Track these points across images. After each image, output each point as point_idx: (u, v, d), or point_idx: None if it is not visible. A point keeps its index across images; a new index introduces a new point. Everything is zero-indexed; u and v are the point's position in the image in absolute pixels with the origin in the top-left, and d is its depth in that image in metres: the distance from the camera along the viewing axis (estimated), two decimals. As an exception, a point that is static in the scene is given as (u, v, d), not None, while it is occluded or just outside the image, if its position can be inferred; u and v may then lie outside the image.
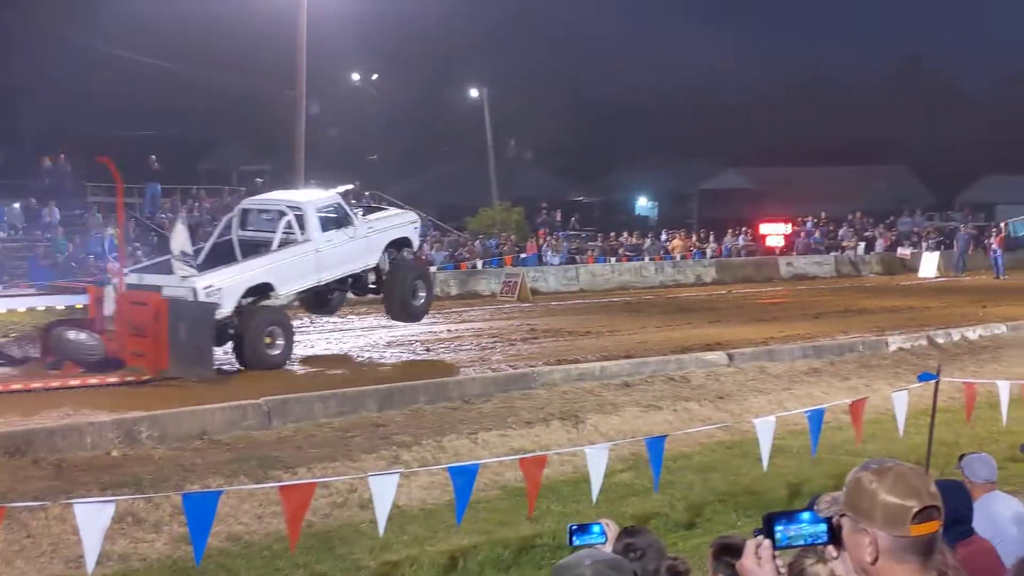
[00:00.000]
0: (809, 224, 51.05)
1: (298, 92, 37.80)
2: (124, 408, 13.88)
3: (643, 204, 72.61)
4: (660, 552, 5.29)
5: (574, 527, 5.42)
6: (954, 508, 5.55)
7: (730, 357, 18.71)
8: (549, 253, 40.55)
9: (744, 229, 48.15)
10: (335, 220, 20.03)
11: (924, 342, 21.54)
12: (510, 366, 18.09)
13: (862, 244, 48.80)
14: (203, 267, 18.21)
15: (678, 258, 42.02)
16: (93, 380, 15.91)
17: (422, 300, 21.40)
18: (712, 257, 43.52)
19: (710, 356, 18.74)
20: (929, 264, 44.30)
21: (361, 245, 20.39)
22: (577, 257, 41.17)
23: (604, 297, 32.53)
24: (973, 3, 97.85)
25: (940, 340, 21.81)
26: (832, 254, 46.34)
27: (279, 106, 42.30)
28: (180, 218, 19.20)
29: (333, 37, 43.10)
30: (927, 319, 26.19)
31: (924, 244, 48.96)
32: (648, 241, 45.53)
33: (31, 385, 15.53)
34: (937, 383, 11.44)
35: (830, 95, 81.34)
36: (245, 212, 20.40)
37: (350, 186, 23.19)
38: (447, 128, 65.61)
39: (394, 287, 20.94)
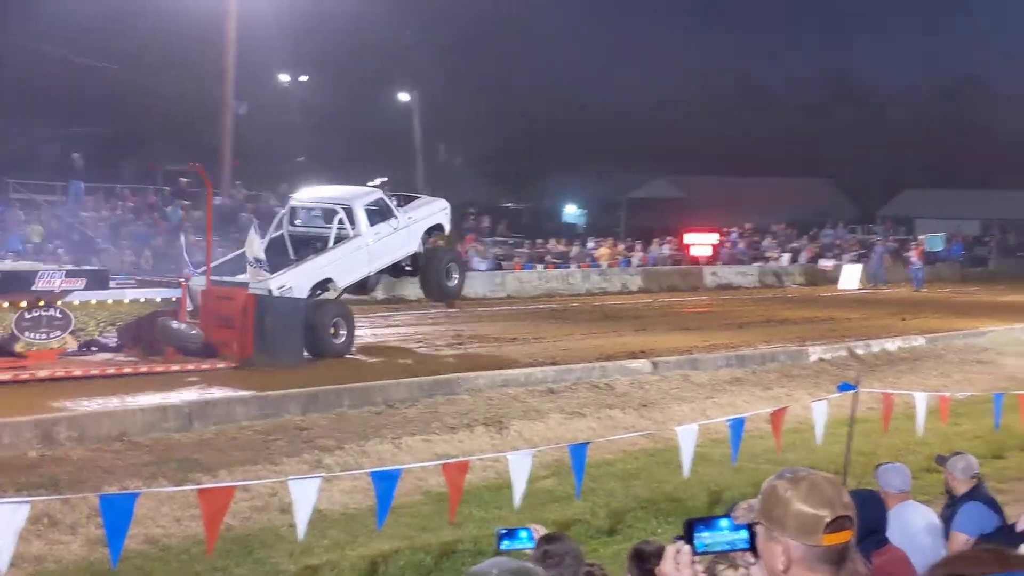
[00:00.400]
0: (734, 234, 51.53)
1: (225, 92, 37.50)
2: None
3: (571, 211, 72.88)
4: (578, 559, 5.31)
5: (502, 532, 5.44)
6: (869, 517, 5.63)
7: (654, 365, 18.83)
8: (476, 259, 40.54)
9: (670, 238, 48.51)
10: (380, 213, 21.81)
11: (844, 353, 21.82)
12: (435, 371, 18.05)
13: (786, 255, 49.34)
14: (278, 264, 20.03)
15: (605, 266, 42.18)
16: (190, 366, 17.59)
17: (455, 281, 23.34)
18: (638, 266, 43.74)
19: (634, 364, 18.83)
20: (850, 276, 44.92)
21: (403, 235, 22.23)
22: (504, 263, 41.19)
23: (531, 304, 32.59)
24: (896, 21, 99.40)
25: (860, 351, 22.10)
26: (756, 264, 46.80)
27: (207, 106, 41.92)
28: (254, 227, 21.03)
29: (262, 38, 42.77)
30: (848, 330, 26.55)
31: (846, 256, 49.62)
32: (575, 249, 45.66)
33: (139, 369, 17.20)
34: (856, 394, 11.60)
35: (759, 106, 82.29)
36: (294, 209, 22.10)
37: (384, 179, 24.66)
38: (376, 132, 65.41)
39: (430, 270, 22.82)
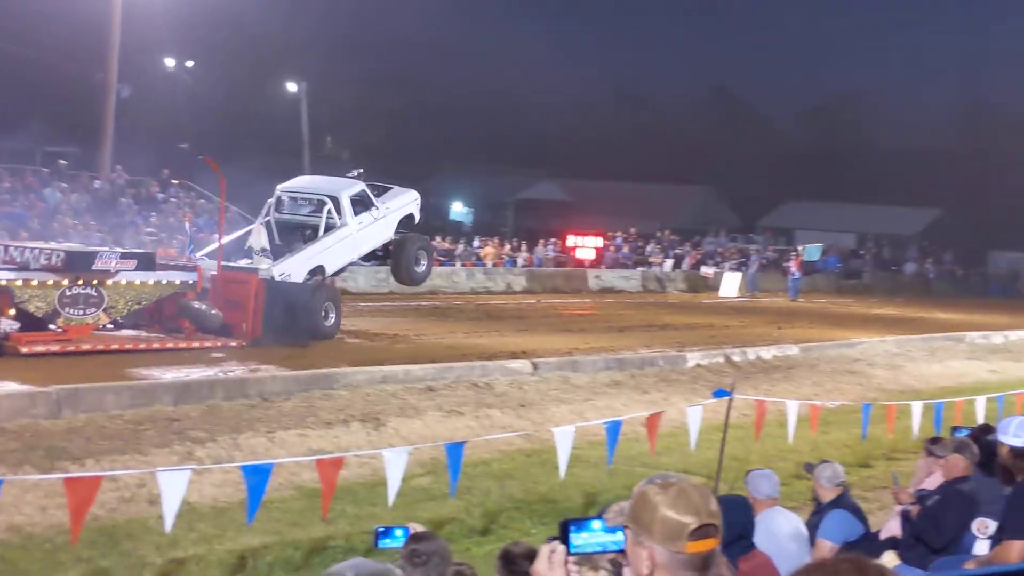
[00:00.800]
0: (618, 239, 51.98)
1: (109, 74, 36.70)
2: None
3: (458, 210, 72.85)
4: (445, 559, 5.29)
5: (380, 529, 5.39)
6: (736, 523, 5.70)
7: (534, 366, 18.88)
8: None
9: (555, 240, 48.75)
10: (362, 203, 23.61)
11: (721, 359, 22.15)
12: (313, 365, 17.86)
13: (669, 261, 49.92)
14: (250, 251, 21.61)
15: (490, 265, 42.24)
16: (208, 343, 19.37)
17: (424, 267, 25.33)
18: (523, 266, 43.89)
19: (515, 364, 18.87)
20: (730, 284, 45.63)
21: (382, 224, 24.14)
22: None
23: (413, 300, 32.48)
24: (779, 37, 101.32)
25: (736, 358, 22.45)
26: (639, 269, 47.26)
27: (88, 87, 40.96)
28: (260, 220, 22.88)
29: (148, 20, 41.93)
30: (726, 337, 26.95)
31: (726, 264, 50.40)
32: (461, 247, 45.64)
33: (166, 344, 19.05)
34: (730, 400, 11.77)
35: (646, 113, 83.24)
36: (280, 198, 23.51)
37: (360, 171, 25.77)
38: (263, 121, 64.60)
39: (401, 256, 24.64)
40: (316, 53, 65.56)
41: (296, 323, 20.64)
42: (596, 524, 3.06)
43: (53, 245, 20.35)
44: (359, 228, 23.39)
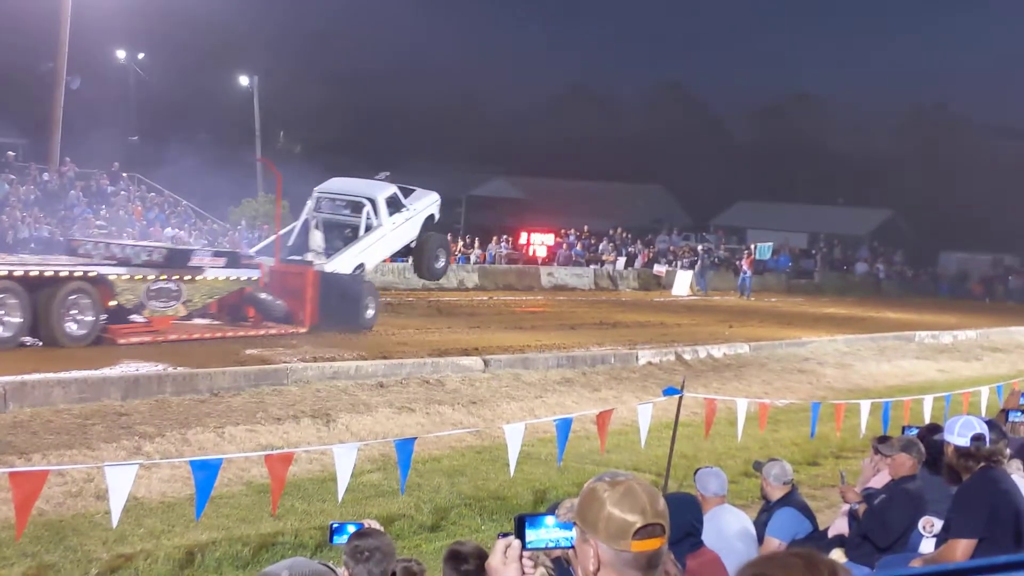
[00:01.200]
0: (571, 236, 52.09)
1: (58, 65, 36.30)
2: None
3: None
4: (388, 555, 5.29)
5: (335, 526, 5.39)
6: (684, 521, 5.73)
7: (486, 363, 18.88)
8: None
9: (507, 237, 48.77)
10: (394, 204, 25.58)
11: (672, 357, 22.25)
12: (263, 360, 17.78)
13: (621, 259, 50.08)
14: (295, 246, 24.19)
15: (442, 262, 42.17)
16: (273, 331, 21.58)
17: (442, 264, 27.31)
18: (476, 263, 43.89)
19: (466, 361, 18.86)
20: (682, 282, 45.85)
21: (410, 225, 26.09)
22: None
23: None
24: (732, 37, 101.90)
25: (687, 356, 22.56)
26: (592, 267, 47.40)
27: (37, 79, 40.49)
28: (315, 223, 24.83)
29: (98, 10, 41.52)
30: (677, 335, 27.08)
31: (678, 263, 50.64)
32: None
33: (238, 333, 21.07)
34: (681, 398, 11.82)
35: (598, 111, 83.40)
36: (319, 199, 25.58)
37: (387, 173, 28.43)
38: (215, 114, 64.16)
39: (423, 254, 26.56)
40: (269, 46, 65.20)
41: (350, 311, 23.15)
42: (550, 520, 3.08)
43: (154, 243, 23.41)
44: (392, 228, 25.57)
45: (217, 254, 22.10)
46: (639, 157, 77.35)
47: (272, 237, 25.23)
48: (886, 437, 9.78)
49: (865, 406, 14.41)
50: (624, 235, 55.64)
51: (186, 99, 64.86)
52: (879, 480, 9.03)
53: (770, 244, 52.12)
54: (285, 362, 17.33)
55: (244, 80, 57.23)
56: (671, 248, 55.22)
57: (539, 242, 49.16)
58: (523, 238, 49.05)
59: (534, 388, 18.15)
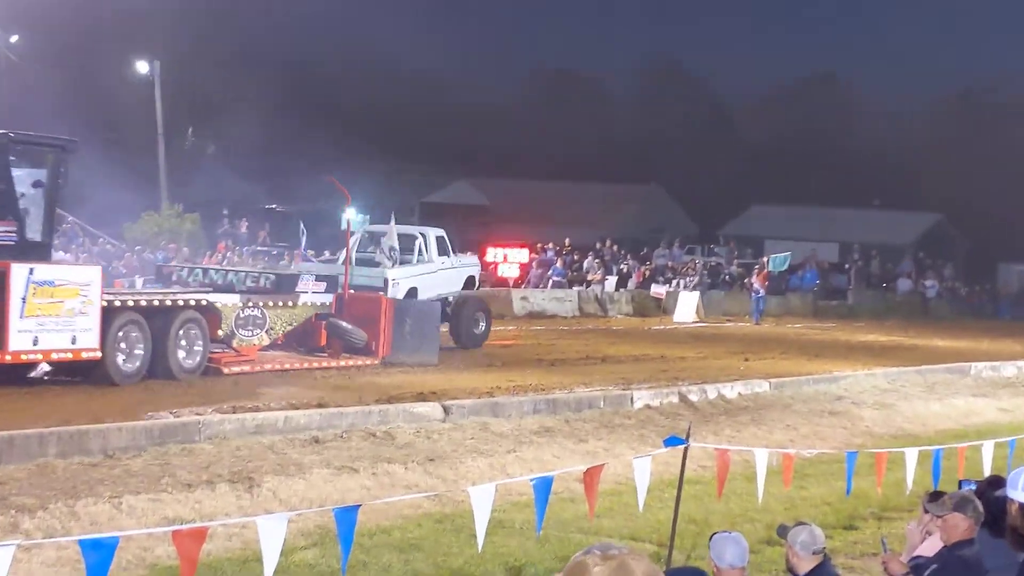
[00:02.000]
0: (549, 251, 52.12)
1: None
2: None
3: (352, 217, 72.65)
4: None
5: None
6: (692, 602, 5.71)
7: (446, 410, 18.83)
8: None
9: (470, 253, 48.77)
10: (443, 249, 31.05)
11: (675, 399, 22.24)
12: (171, 412, 17.68)
13: (611, 279, 50.14)
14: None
15: (390, 285, 42.18)
16: (347, 362, 24.63)
17: (482, 329, 30.65)
18: (432, 286, 43.87)
19: (421, 408, 18.81)
20: (687, 306, 45.92)
21: (454, 274, 31.35)
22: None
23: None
24: (738, 5, 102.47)
25: (693, 397, 22.56)
26: (575, 289, 47.46)
27: None
28: (392, 219, 30.72)
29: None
30: (681, 372, 27.08)
31: (681, 282, 50.76)
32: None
33: (321, 364, 24.24)
34: (686, 449, 11.79)
35: (578, 98, 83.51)
36: (370, 234, 31.64)
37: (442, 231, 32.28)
38: (107, 108, 63.98)
39: (461, 317, 30.07)
40: (174, 24, 65.07)
41: (427, 340, 26.12)
42: None
43: (258, 268, 28.32)
44: (440, 267, 30.61)
45: (319, 279, 25.55)
46: (631, 152, 77.59)
47: (326, 258, 30.48)
48: (938, 493, 9.78)
49: (912, 455, 14.42)
50: (614, 249, 55.77)
51: (71, 89, 64.59)
52: (930, 547, 9.03)
53: (787, 254, 52.32)
54: (197, 414, 17.23)
55: (143, 66, 57.08)
56: (671, 264, 55.36)
57: (510, 259, 49.17)
58: (490, 254, 49.01)
59: (506, 440, 18.11)
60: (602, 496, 13.13)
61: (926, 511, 9.36)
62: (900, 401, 25.57)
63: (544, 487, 11.07)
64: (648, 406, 21.60)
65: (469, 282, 31.95)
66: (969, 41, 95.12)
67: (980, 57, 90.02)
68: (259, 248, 47.72)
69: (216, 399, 19.02)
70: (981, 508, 8.56)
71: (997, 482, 9.48)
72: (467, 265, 32.29)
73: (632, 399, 21.67)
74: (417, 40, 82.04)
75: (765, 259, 51.39)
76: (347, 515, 9.64)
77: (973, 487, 9.49)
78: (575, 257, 52.85)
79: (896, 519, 15.02)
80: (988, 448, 15.07)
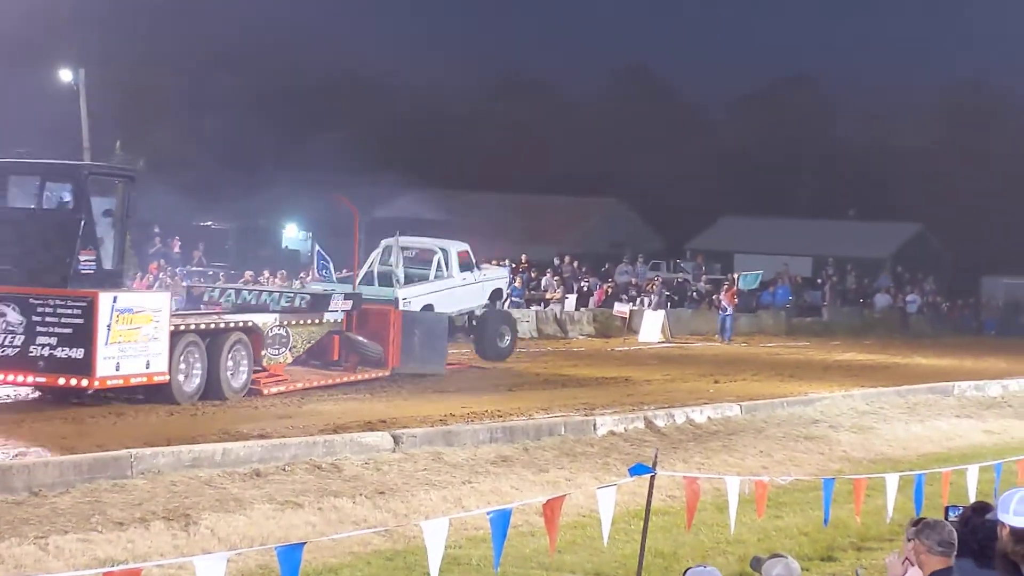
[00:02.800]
0: (505, 269, 52.06)
1: None
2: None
3: (292, 235, 72.44)
4: None
5: None
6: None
7: (396, 440, 18.80)
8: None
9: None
10: (465, 264, 33.15)
11: (641, 424, 22.27)
12: (99, 446, 17.58)
13: (571, 297, 50.15)
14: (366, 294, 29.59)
15: (336, 307, 42.13)
16: (360, 376, 26.94)
17: (508, 343, 33.34)
18: (380, 307, 43.83)
19: (370, 438, 18.78)
20: (652, 326, 45.99)
21: (478, 289, 33.48)
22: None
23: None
24: (702, 16, 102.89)
25: (660, 423, 22.59)
26: (533, 308, 47.41)
27: None
28: (396, 244, 32.33)
29: None
30: (647, 395, 27.16)
31: (646, 300, 50.81)
32: (297, 283, 45.40)
33: (344, 379, 26.60)
34: (653, 478, 11.82)
35: (536, 105, 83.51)
36: (389, 248, 32.82)
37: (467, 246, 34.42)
38: (26, 120, 63.67)
39: (486, 330, 32.87)
40: (100, 29, 64.85)
41: (435, 352, 28.62)
42: None
43: (283, 288, 32.84)
44: (462, 283, 32.56)
45: (347, 297, 27.70)
46: (592, 163, 77.66)
47: (343, 275, 32.09)
48: (922, 520, 9.82)
49: (892, 481, 14.50)
50: (574, 266, 55.80)
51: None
52: (913, 578, 9.05)
53: (758, 272, 52.52)
54: (128, 447, 17.14)
55: (66, 74, 56.79)
56: (635, 281, 55.42)
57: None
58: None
59: (461, 471, 18.09)
60: (564, 529, 13.14)
61: (908, 539, 9.39)
62: (879, 424, 25.68)
63: (502, 521, 11.07)
64: (612, 432, 21.60)
65: (496, 294, 34.52)
66: (948, 45, 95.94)
67: (960, 61, 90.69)
68: (194, 268, 47.53)
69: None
70: (951, 532, 8.54)
71: (983, 508, 9.50)
72: (493, 279, 34.80)
73: (595, 425, 21.67)
74: (366, 46, 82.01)
75: (734, 275, 51.53)
76: (291, 554, 9.62)
77: (960, 513, 9.53)
78: (532, 274, 52.81)
79: (877, 549, 15.09)
80: (973, 472, 15.16)
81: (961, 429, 26.46)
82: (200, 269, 48.18)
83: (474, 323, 33.21)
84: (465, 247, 33.59)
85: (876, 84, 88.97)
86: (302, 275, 49.20)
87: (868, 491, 14.46)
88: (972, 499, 12.60)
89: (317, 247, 35.76)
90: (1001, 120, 78.86)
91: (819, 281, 63.70)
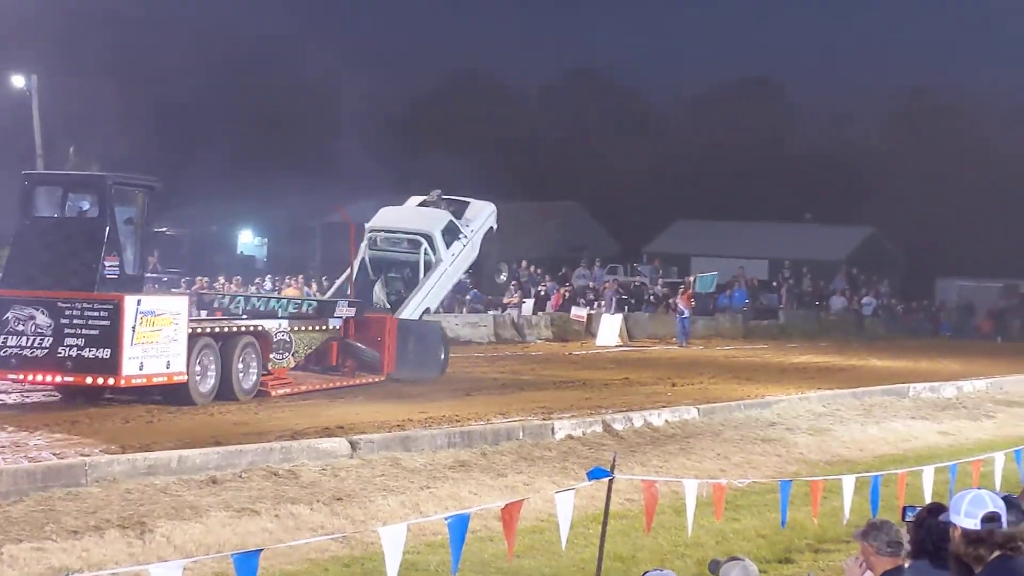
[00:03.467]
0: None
1: None
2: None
3: (247, 240, 72.28)
4: None
5: None
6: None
7: (353, 445, 18.77)
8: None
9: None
10: (451, 233, 31.43)
11: (599, 428, 22.29)
12: (53, 454, 17.47)
13: (528, 301, 50.19)
14: (356, 291, 30.05)
15: (292, 312, 42.04)
16: (357, 381, 27.95)
17: (503, 279, 36.28)
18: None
19: (327, 444, 18.73)
20: (609, 329, 46.07)
21: (469, 248, 32.10)
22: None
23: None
24: (658, 16, 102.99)
25: (618, 426, 22.62)
26: (491, 313, 47.43)
27: None
28: (355, 261, 31.16)
29: None
30: (604, 399, 27.16)
31: (604, 304, 50.89)
32: (253, 288, 45.31)
33: (344, 383, 27.71)
34: (611, 481, 11.83)
35: (489, 106, 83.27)
36: (372, 238, 31.53)
37: (438, 192, 33.61)
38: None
39: (482, 272, 34.39)
40: (52, 35, 64.48)
41: (429, 358, 29.58)
42: None
43: (298, 296, 35.61)
44: (452, 261, 31.40)
45: (351, 304, 28.51)
46: (546, 166, 77.59)
47: (340, 282, 32.23)
48: (869, 522, 9.85)
49: (849, 483, 14.55)
50: (531, 270, 55.82)
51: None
52: (869, 581, 9.07)
53: (714, 274, 52.69)
54: (83, 455, 17.05)
55: (19, 80, 56.46)
56: (592, 285, 55.48)
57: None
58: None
59: (419, 476, 18.07)
60: (522, 534, 13.13)
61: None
62: (836, 425, 25.78)
63: (460, 526, 11.05)
64: (570, 436, 21.62)
65: (488, 234, 33.17)
66: (902, 49, 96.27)
67: (915, 64, 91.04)
68: (149, 275, 47.27)
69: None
70: (898, 533, 8.57)
71: (938, 509, 9.54)
72: (481, 227, 32.83)
73: (553, 429, 21.68)
74: (311, 45, 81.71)
75: (690, 278, 51.67)
76: (247, 561, 9.58)
77: (916, 512, 9.56)
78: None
79: (834, 551, 15.14)
80: (928, 474, 15.25)
81: (916, 431, 26.59)
82: (154, 276, 47.92)
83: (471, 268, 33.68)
84: (447, 219, 31.62)
85: (831, 87, 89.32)
86: (257, 281, 49.18)
87: (825, 493, 14.50)
88: (928, 500, 12.67)
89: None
90: (954, 123, 79.24)
91: (775, 284, 63.98)
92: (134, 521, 14.47)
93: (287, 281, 47.41)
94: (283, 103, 77.94)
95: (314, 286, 47.22)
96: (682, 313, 46.94)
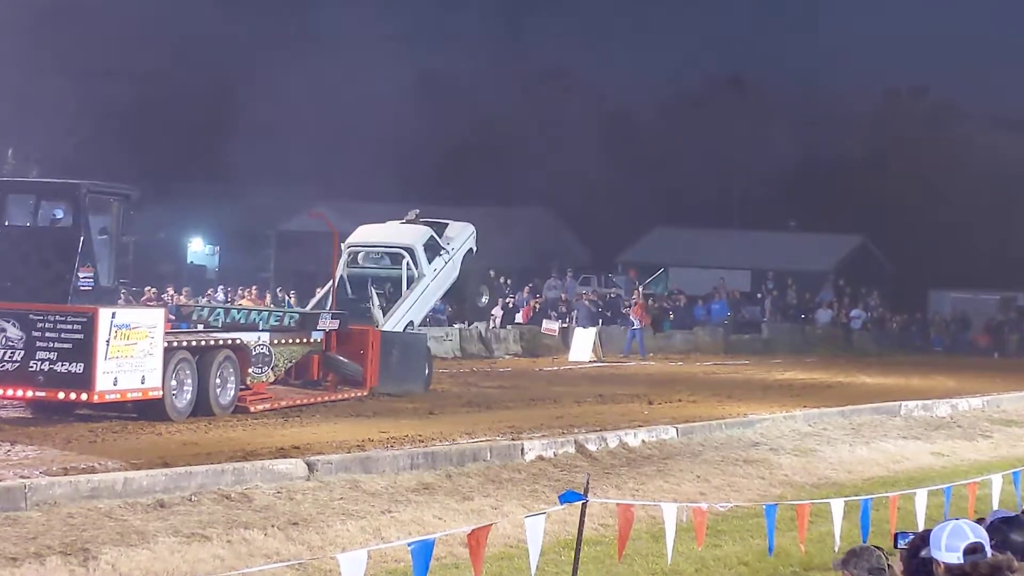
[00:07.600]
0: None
1: None
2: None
3: (197, 249, 72.10)
4: None
5: None
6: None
7: (310, 467, 18.74)
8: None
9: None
10: (432, 249, 32.55)
11: (571, 449, 22.28)
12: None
13: (497, 312, 50.16)
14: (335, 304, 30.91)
15: (244, 325, 41.98)
16: (340, 396, 28.66)
17: (485, 302, 36.16)
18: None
19: (282, 466, 18.69)
20: (582, 344, 46.08)
21: (450, 266, 33.17)
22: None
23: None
24: (632, 19, 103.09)
25: (592, 447, 22.62)
26: (456, 326, 47.40)
27: None
28: (337, 276, 31.94)
29: None
30: (577, 418, 27.17)
31: (576, 316, 50.92)
32: (204, 299, 45.20)
33: (327, 398, 28.37)
34: (584, 505, 11.84)
35: (452, 107, 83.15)
36: (352, 252, 32.85)
37: (416, 211, 34.83)
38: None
39: (465, 292, 35.01)
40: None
41: (414, 371, 30.44)
42: None
43: (268, 307, 35.97)
44: (434, 276, 32.37)
45: (334, 317, 29.19)
46: (514, 170, 77.49)
47: (321, 294, 33.08)
48: (849, 550, 9.86)
49: (838, 507, 14.60)
50: (499, 280, 55.82)
51: None
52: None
53: (660, 271, 52.81)
54: (22, 477, 16.98)
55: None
56: (564, 297, 55.50)
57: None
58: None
59: (380, 499, 18.07)
60: (490, 561, 13.13)
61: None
62: (823, 446, 25.82)
63: (424, 552, 11.06)
64: (541, 457, 21.61)
65: (467, 256, 34.29)
66: (892, 49, 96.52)
67: (903, 65, 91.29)
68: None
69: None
70: (880, 563, 8.58)
71: (928, 538, 9.59)
72: (461, 246, 34.03)
73: (522, 450, 21.67)
74: (263, 46, 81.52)
75: (639, 289, 51.89)
76: (198, 589, 9.58)
77: (910, 539, 9.58)
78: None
79: (822, 580, 15.16)
80: (922, 497, 15.29)
81: (908, 451, 26.66)
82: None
83: (452, 288, 34.24)
84: (428, 234, 32.81)
85: (816, 92, 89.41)
86: (209, 291, 49.08)
87: (812, 517, 14.53)
88: (921, 525, 12.71)
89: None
90: (949, 128, 79.47)
91: (758, 296, 64.04)
92: (77, 548, 14.42)
93: (240, 292, 47.27)
94: (234, 108, 77.72)
95: (268, 297, 47.17)
96: (634, 325, 47.14)
